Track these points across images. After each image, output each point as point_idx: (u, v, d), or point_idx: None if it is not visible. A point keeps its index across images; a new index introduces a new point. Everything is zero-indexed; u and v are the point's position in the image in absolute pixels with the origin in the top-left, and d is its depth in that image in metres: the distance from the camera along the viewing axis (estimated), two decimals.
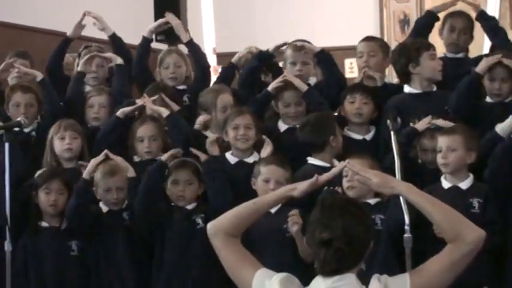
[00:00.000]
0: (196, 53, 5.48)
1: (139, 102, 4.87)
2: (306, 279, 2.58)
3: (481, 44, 5.91)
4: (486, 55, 4.91)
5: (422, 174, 4.42)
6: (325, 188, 3.99)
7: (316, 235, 2.48)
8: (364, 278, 2.54)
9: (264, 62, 5.17)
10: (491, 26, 5.22)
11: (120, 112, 4.82)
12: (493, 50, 5.08)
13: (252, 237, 3.98)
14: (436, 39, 5.23)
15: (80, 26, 5.59)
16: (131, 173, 4.47)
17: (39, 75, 5.20)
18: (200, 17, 9.40)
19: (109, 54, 5.42)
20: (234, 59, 5.38)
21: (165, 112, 4.76)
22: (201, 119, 4.90)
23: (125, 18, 7.04)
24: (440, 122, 4.44)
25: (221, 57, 8.44)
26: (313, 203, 2.72)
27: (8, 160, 4.20)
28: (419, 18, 6.04)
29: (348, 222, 2.48)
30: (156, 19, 6.14)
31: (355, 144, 4.73)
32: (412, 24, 6.41)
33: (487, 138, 4.34)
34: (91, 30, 5.72)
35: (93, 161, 4.43)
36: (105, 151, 4.46)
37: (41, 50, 6.30)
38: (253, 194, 4.28)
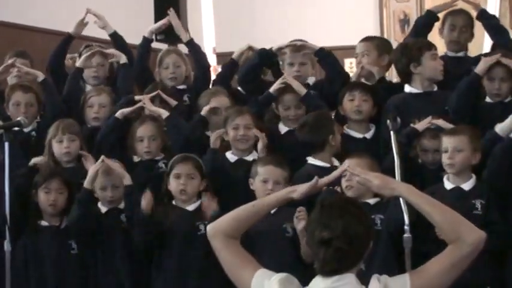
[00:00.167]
0: (196, 52, 5.48)
1: (137, 100, 4.86)
2: (306, 279, 2.58)
3: (481, 42, 5.91)
4: (486, 54, 4.91)
5: (423, 175, 4.41)
6: (325, 187, 3.98)
7: (316, 235, 2.49)
8: (364, 278, 2.54)
9: (265, 60, 5.17)
10: (492, 24, 5.22)
11: (119, 113, 4.82)
12: (494, 49, 5.08)
13: (252, 237, 3.97)
14: (436, 38, 5.23)
15: (82, 23, 5.58)
16: (127, 180, 4.42)
17: (41, 76, 5.19)
18: (200, 16, 9.41)
19: (113, 51, 5.41)
20: (234, 56, 5.37)
21: (164, 113, 4.77)
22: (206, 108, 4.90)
23: (125, 18, 7.03)
24: (441, 123, 4.43)
25: (221, 56, 8.44)
26: (312, 203, 2.72)
27: (8, 160, 4.20)
28: (419, 17, 6.04)
29: (347, 222, 2.48)
30: (156, 19, 6.15)
31: (356, 143, 4.73)
32: (412, 23, 6.40)
33: (487, 138, 4.34)
34: (92, 30, 5.72)
35: (92, 169, 4.41)
36: (102, 157, 4.44)
37: (40, 50, 6.30)
38: (253, 192, 4.31)
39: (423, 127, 4.46)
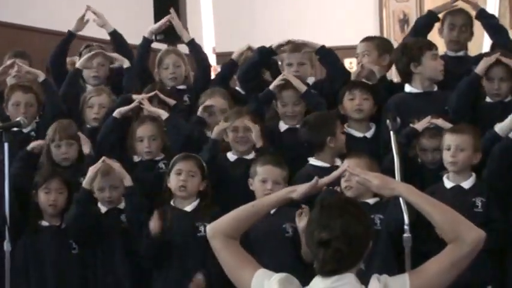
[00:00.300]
0: (197, 53, 5.48)
1: (135, 99, 4.86)
2: (306, 279, 2.58)
3: (481, 42, 5.91)
4: (486, 54, 4.91)
5: (422, 175, 4.41)
6: (324, 188, 3.98)
7: (315, 235, 2.48)
8: (364, 278, 2.54)
9: (265, 57, 5.17)
10: (491, 24, 5.21)
11: (116, 112, 4.81)
12: (493, 48, 5.07)
13: (251, 237, 3.98)
14: (436, 38, 5.23)
15: (82, 20, 5.56)
16: (128, 181, 4.41)
17: (42, 76, 5.18)
18: (200, 16, 9.41)
19: (115, 55, 5.39)
20: (234, 56, 5.37)
21: (164, 114, 4.77)
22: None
23: (125, 19, 7.03)
24: (440, 122, 4.43)
25: (221, 56, 8.43)
26: (312, 203, 2.72)
27: (7, 160, 4.20)
28: (419, 17, 6.04)
29: (346, 222, 2.47)
30: (155, 19, 6.15)
31: (356, 142, 4.72)
32: (411, 23, 6.40)
33: (487, 138, 4.34)
34: (92, 30, 5.71)
35: (92, 169, 4.41)
36: (103, 158, 4.44)
37: (39, 50, 6.30)
38: (253, 191, 4.31)
39: (423, 127, 4.46)
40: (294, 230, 4.15)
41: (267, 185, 4.24)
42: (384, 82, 5.07)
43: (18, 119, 4.58)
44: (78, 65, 5.34)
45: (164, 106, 4.96)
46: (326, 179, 2.81)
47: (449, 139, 4.22)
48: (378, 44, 5.28)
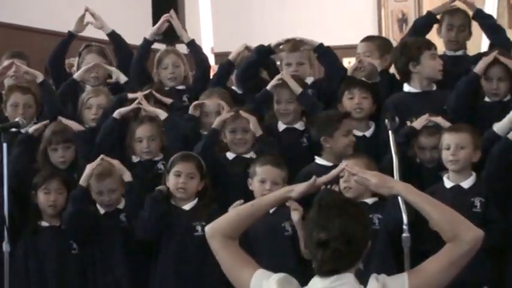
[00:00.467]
0: (197, 53, 5.48)
1: (134, 100, 4.86)
2: (305, 279, 2.57)
3: (479, 42, 5.90)
4: (484, 53, 4.91)
5: (421, 174, 4.41)
6: (322, 187, 3.98)
7: (314, 236, 2.48)
8: (362, 278, 2.54)
9: (263, 56, 5.17)
10: (488, 24, 5.21)
11: (116, 113, 4.80)
12: (491, 48, 5.07)
13: (250, 237, 3.99)
14: (435, 38, 5.22)
15: (82, 21, 5.56)
16: (128, 177, 4.43)
17: (40, 76, 5.17)
18: (198, 16, 9.40)
19: (112, 69, 5.36)
20: (231, 57, 5.36)
21: (162, 114, 4.77)
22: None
23: (123, 18, 7.03)
24: (439, 120, 4.43)
25: (219, 56, 8.43)
26: (311, 203, 2.71)
27: (6, 161, 4.20)
28: (418, 18, 6.05)
29: (345, 222, 2.47)
30: (154, 19, 6.13)
31: (355, 141, 4.71)
32: (410, 23, 6.40)
33: (486, 137, 4.34)
34: (92, 30, 5.70)
35: (89, 167, 4.41)
36: (101, 156, 4.45)
37: (38, 50, 6.30)
38: (251, 189, 4.31)
39: (421, 125, 4.46)
40: (293, 229, 4.15)
41: (265, 185, 4.24)
42: (386, 75, 5.06)
43: (17, 119, 4.59)
44: (76, 76, 5.31)
45: (162, 106, 4.96)
46: (324, 178, 2.81)
47: (448, 138, 4.21)
48: (379, 44, 5.28)
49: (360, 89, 4.79)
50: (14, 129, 4.57)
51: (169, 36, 5.89)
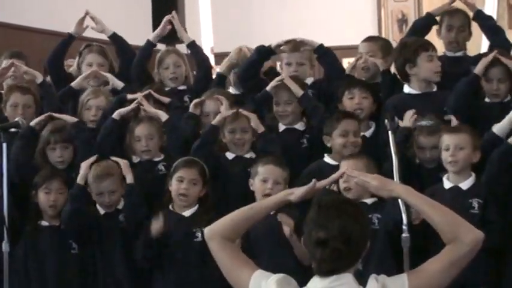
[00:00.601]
0: (198, 54, 5.49)
1: (133, 100, 4.85)
2: (305, 280, 2.57)
3: (479, 42, 5.91)
4: (484, 54, 4.91)
5: (421, 175, 4.40)
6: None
7: (313, 235, 2.48)
8: (361, 278, 2.54)
9: (264, 57, 5.17)
10: (488, 25, 5.22)
11: (116, 114, 4.79)
12: (491, 49, 5.07)
13: (251, 238, 3.99)
14: (435, 38, 5.22)
15: (81, 23, 5.56)
16: (130, 179, 4.42)
17: (40, 77, 5.18)
18: (198, 16, 9.40)
19: (109, 76, 5.34)
20: (221, 69, 5.33)
21: (163, 115, 4.76)
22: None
23: (123, 19, 7.04)
24: (452, 118, 4.38)
25: (219, 56, 8.43)
26: (310, 203, 2.72)
27: (6, 161, 4.20)
28: (417, 19, 6.06)
29: (344, 222, 2.47)
30: (154, 19, 6.14)
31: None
32: (410, 23, 6.41)
33: (485, 139, 4.34)
34: (92, 31, 5.70)
35: (84, 165, 4.42)
36: (96, 156, 4.45)
37: (38, 50, 6.30)
38: (249, 188, 4.32)
39: (411, 122, 4.45)
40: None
41: (267, 185, 4.23)
42: (387, 76, 5.06)
43: (16, 119, 4.59)
44: (73, 84, 5.29)
45: (162, 106, 4.96)
46: (324, 182, 2.83)
47: (447, 139, 4.21)
48: (382, 45, 5.29)
49: (360, 89, 4.80)
50: (13, 130, 4.57)
51: (170, 36, 5.89)
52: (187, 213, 4.34)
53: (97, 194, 4.44)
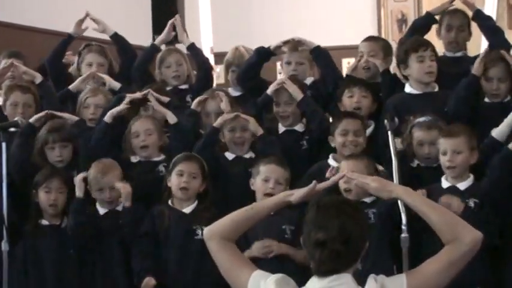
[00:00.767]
0: (198, 56, 5.50)
1: (133, 100, 4.84)
2: (304, 280, 2.58)
3: (479, 42, 5.91)
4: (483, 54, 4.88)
5: (421, 176, 4.39)
6: None
7: (312, 236, 2.49)
8: (360, 278, 2.54)
9: (263, 58, 5.17)
10: (488, 25, 5.21)
11: (107, 117, 4.74)
12: (490, 50, 5.07)
13: (251, 238, 3.99)
14: (435, 40, 5.22)
15: (80, 24, 5.57)
16: (127, 202, 4.40)
17: (39, 78, 5.18)
18: (198, 16, 9.39)
19: (107, 78, 5.34)
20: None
21: (172, 118, 4.73)
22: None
23: (123, 19, 7.03)
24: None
25: (218, 56, 8.43)
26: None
27: (5, 160, 4.21)
28: (416, 19, 6.06)
29: (343, 222, 2.48)
30: (154, 19, 6.13)
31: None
32: (409, 23, 6.40)
33: (485, 143, 4.32)
34: (92, 31, 5.70)
35: (79, 179, 4.43)
36: (81, 174, 4.46)
37: (38, 50, 6.29)
38: (249, 188, 4.32)
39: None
40: (292, 233, 4.13)
41: (269, 184, 4.22)
42: (387, 76, 5.06)
43: (16, 119, 4.60)
44: (71, 87, 5.30)
45: (162, 105, 4.95)
46: (324, 184, 2.83)
47: (444, 143, 4.20)
48: (383, 45, 5.29)
49: (359, 88, 4.80)
50: (13, 129, 4.57)
51: None
52: (187, 209, 4.35)
53: (97, 190, 4.44)
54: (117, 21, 5.84)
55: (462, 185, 4.19)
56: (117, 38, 5.60)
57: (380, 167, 4.28)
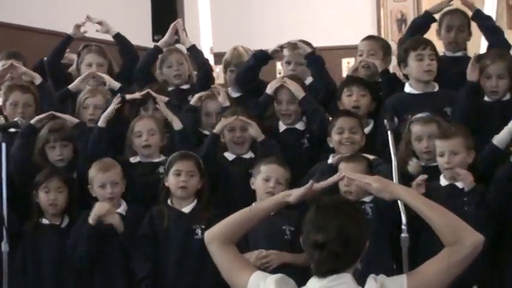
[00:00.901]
0: (198, 57, 5.50)
1: (133, 100, 4.84)
2: (304, 280, 2.58)
3: (479, 42, 5.90)
4: (480, 56, 4.84)
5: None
6: None
7: (311, 237, 2.48)
8: (360, 278, 2.54)
9: (261, 62, 5.17)
10: (487, 25, 5.21)
11: (101, 121, 4.72)
12: (489, 49, 5.07)
13: (251, 238, 3.99)
14: (435, 40, 5.22)
15: (78, 27, 5.57)
16: (118, 224, 4.38)
17: (38, 78, 5.18)
18: (197, 16, 9.39)
19: (107, 78, 5.34)
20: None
21: (177, 124, 4.73)
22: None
23: (123, 19, 7.03)
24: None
25: (218, 56, 8.43)
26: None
27: (5, 161, 4.21)
28: (416, 18, 6.05)
29: (342, 223, 2.47)
30: (153, 19, 6.12)
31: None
32: (409, 23, 6.40)
33: (486, 151, 4.30)
34: (91, 31, 5.70)
35: (98, 208, 4.35)
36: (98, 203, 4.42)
37: (38, 50, 6.29)
38: (251, 189, 4.32)
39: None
40: (292, 233, 4.13)
41: (269, 183, 4.22)
42: (386, 75, 5.06)
43: (16, 119, 4.60)
44: (71, 87, 5.29)
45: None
46: (322, 184, 2.83)
47: (440, 145, 4.19)
48: (383, 44, 5.29)
49: (358, 87, 4.80)
50: (12, 130, 4.57)
51: None
52: (186, 209, 4.35)
53: (99, 186, 4.43)
54: (117, 21, 5.84)
55: (461, 184, 4.18)
56: (119, 39, 5.60)
57: (371, 156, 4.27)
